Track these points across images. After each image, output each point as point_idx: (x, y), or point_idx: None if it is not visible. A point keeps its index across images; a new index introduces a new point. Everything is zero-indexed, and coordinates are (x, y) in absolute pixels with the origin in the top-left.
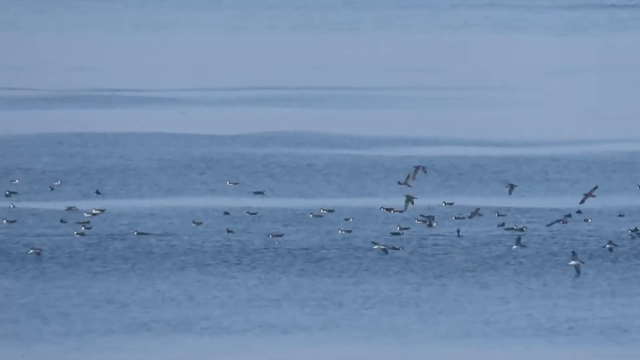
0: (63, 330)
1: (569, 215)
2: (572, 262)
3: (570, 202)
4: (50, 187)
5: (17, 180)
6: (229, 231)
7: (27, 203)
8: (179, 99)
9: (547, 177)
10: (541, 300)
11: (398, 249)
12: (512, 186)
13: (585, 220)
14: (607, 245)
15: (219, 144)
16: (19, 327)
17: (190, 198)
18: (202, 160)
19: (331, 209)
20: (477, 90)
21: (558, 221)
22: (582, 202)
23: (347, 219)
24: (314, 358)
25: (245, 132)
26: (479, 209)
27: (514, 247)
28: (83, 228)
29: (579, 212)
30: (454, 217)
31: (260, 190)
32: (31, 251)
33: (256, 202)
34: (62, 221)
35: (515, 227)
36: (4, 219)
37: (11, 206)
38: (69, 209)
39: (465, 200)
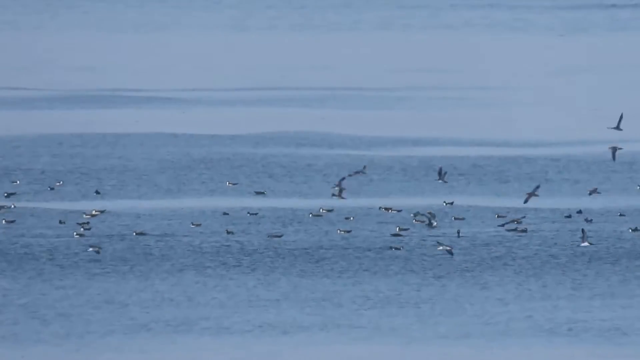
0: (62, 331)
1: (569, 216)
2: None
3: (571, 203)
4: (50, 187)
5: (17, 182)
6: (228, 232)
7: (27, 203)
8: (179, 99)
9: (547, 177)
10: (541, 301)
11: (399, 249)
12: (615, 149)
13: (586, 220)
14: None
15: (219, 144)
16: (18, 329)
17: (189, 198)
18: (202, 161)
19: (331, 209)
20: (477, 90)
21: (512, 222)
22: (526, 201)
23: (347, 218)
24: (314, 358)
25: (245, 132)
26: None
27: (583, 243)
28: (82, 229)
29: (579, 212)
30: (453, 218)
31: (262, 190)
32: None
33: (256, 203)
34: (61, 222)
35: (517, 229)
36: (3, 219)
37: (12, 206)
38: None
39: (466, 200)
